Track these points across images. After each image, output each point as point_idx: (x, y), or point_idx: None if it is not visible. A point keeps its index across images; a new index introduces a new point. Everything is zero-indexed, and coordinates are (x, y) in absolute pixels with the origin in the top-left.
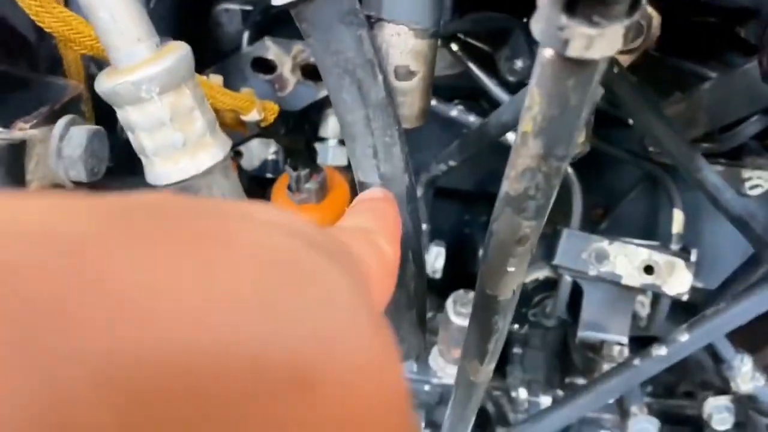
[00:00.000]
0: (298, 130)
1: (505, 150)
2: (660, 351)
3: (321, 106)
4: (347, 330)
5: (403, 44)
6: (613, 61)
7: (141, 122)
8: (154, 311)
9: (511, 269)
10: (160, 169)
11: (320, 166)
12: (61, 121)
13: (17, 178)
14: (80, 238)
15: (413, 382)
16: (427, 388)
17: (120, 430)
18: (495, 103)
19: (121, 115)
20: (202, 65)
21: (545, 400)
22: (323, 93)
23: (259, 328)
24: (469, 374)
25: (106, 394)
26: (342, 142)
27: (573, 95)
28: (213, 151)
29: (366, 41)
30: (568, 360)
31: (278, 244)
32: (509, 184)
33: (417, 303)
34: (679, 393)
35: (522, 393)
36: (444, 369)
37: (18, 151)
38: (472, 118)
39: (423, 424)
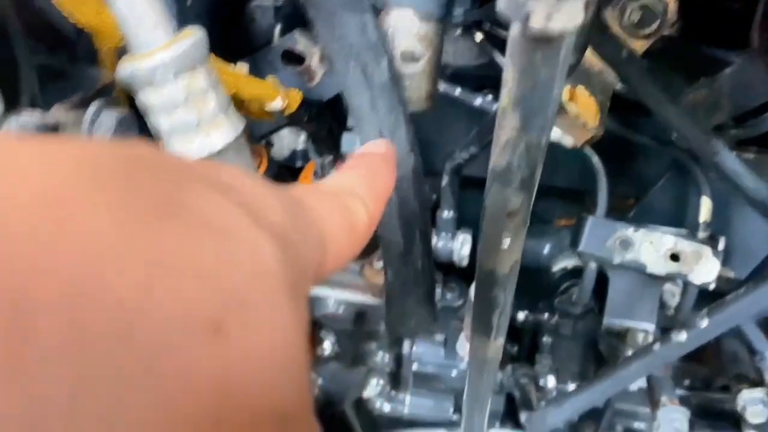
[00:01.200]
0: (321, 118)
1: None
2: (680, 337)
3: None
4: (264, 292)
5: (409, 28)
6: (620, 45)
7: (157, 104)
8: (108, 278)
9: (505, 243)
10: (177, 149)
11: (344, 153)
12: (93, 106)
13: None
14: (67, 197)
15: (441, 367)
16: (454, 373)
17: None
18: None
19: (139, 99)
20: (236, 59)
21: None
22: None
23: (187, 293)
24: (478, 351)
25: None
26: None
27: (542, 69)
28: (226, 130)
29: (370, 26)
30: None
31: (222, 212)
32: (495, 158)
33: (424, 280)
34: (715, 387)
35: (550, 380)
36: None
37: (52, 133)
38: (496, 107)
39: (452, 409)
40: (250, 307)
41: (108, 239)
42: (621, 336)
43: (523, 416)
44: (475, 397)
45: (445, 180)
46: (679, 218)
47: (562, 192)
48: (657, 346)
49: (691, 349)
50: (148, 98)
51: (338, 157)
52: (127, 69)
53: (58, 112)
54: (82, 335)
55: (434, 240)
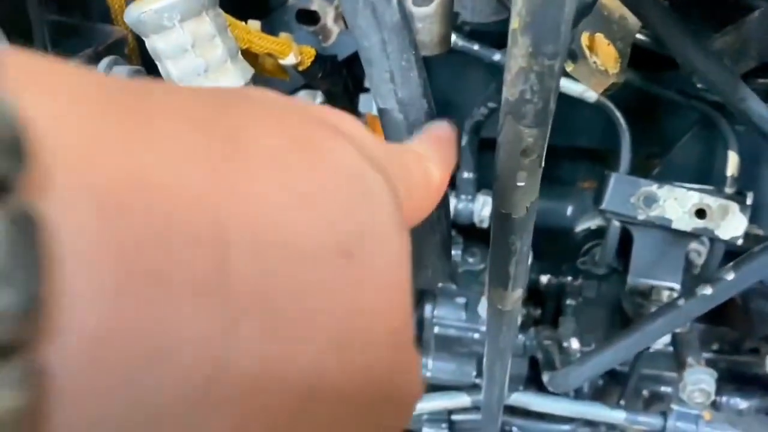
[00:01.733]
0: (336, 74)
1: None
2: (705, 290)
3: None
4: (381, 223)
5: None
6: None
7: (166, 50)
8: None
9: (520, 184)
10: None
11: (361, 112)
12: (104, 61)
13: None
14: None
15: (463, 330)
16: (476, 336)
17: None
18: None
19: (148, 44)
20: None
21: None
22: None
23: (326, 222)
24: (496, 303)
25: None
26: None
27: None
28: (234, 77)
29: None
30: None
31: (349, 156)
32: (507, 90)
33: (440, 229)
34: (744, 350)
35: (574, 343)
36: None
37: None
38: None
39: (474, 373)
40: (374, 236)
41: (279, 182)
42: (646, 295)
43: (545, 377)
44: (495, 353)
45: (464, 139)
46: (705, 176)
47: (585, 153)
48: (682, 301)
49: (717, 303)
50: (156, 44)
51: (354, 115)
52: (134, 13)
53: None
54: (258, 258)
55: (454, 202)
